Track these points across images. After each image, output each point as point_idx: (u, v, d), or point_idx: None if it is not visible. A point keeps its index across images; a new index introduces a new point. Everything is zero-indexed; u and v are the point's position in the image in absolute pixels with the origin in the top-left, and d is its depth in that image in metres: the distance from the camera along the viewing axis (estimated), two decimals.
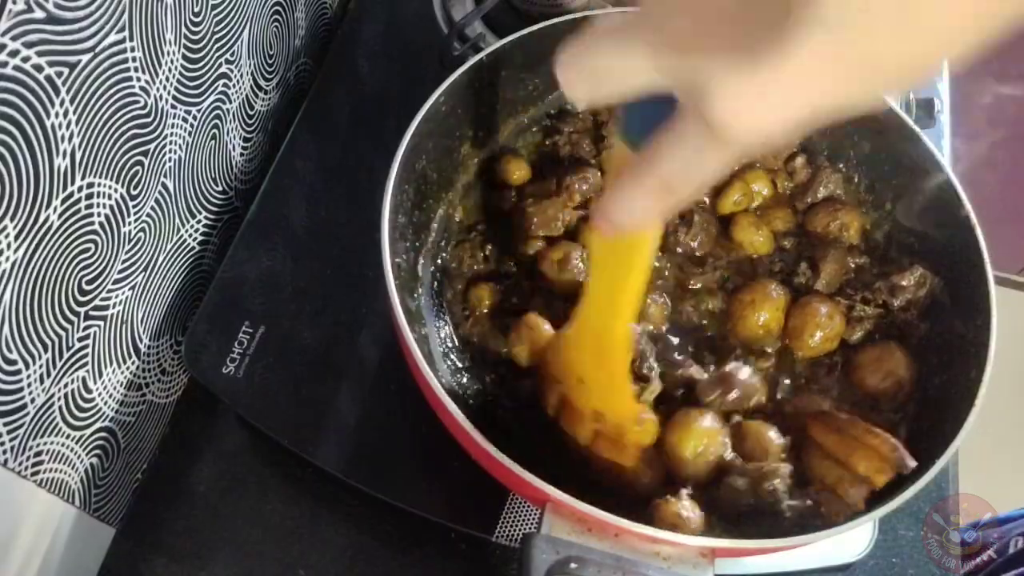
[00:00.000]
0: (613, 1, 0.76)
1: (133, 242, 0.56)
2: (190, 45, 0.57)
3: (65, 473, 0.55)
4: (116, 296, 0.56)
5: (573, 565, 0.40)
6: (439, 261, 0.62)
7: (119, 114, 0.51)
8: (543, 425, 0.54)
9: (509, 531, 0.56)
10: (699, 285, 0.61)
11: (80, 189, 0.49)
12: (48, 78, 0.43)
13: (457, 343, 0.59)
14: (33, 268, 0.47)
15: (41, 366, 0.50)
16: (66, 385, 0.53)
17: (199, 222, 0.65)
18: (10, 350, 0.47)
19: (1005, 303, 0.50)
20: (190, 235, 0.64)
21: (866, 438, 0.47)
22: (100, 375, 0.57)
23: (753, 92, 0.24)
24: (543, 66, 0.64)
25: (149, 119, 0.54)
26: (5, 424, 0.48)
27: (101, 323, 0.55)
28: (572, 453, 0.52)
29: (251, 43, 0.67)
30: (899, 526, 0.61)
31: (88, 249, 0.51)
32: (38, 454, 0.52)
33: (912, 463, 0.45)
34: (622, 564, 0.41)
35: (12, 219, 0.44)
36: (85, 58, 0.46)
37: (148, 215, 0.57)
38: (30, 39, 0.41)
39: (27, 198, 0.44)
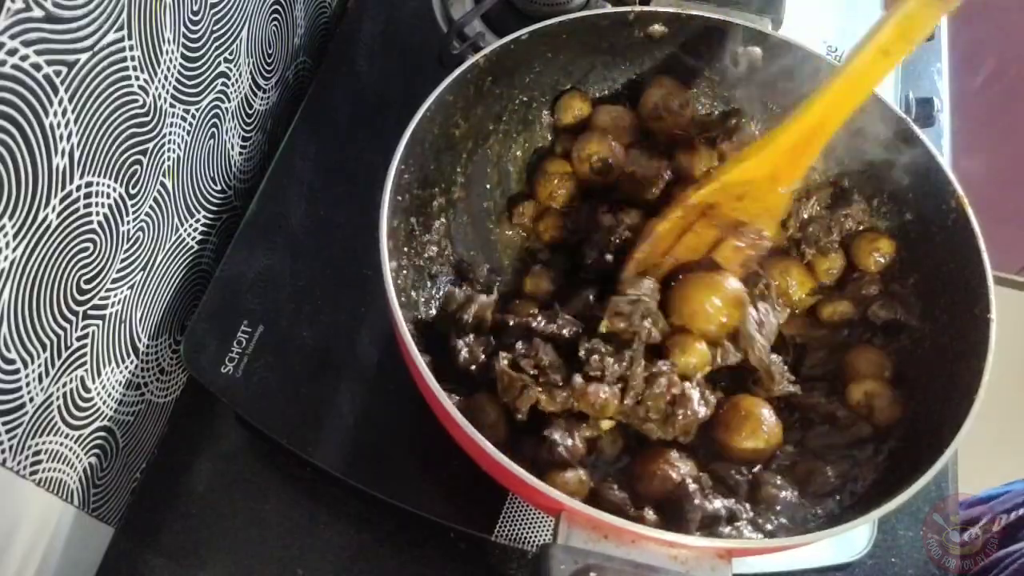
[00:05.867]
0: (613, 1, 0.76)
1: (132, 241, 0.56)
2: (189, 44, 0.57)
3: (64, 472, 0.55)
4: (115, 295, 0.56)
5: (592, 574, 0.39)
6: (438, 260, 0.62)
7: (118, 113, 0.51)
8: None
9: (508, 530, 0.56)
10: None
11: (79, 188, 0.49)
12: (47, 77, 0.43)
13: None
14: (32, 267, 0.46)
15: (40, 365, 0.50)
16: (65, 384, 0.53)
17: (198, 221, 0.65)
18: (8, 349, 0.47)
19: (1005, 303, 0.50)
20: (189, 234, 0.64)
21: None
22: (99, 374, 0.56)
23: None
24: (542, 64, 0.64)
25: (148, 118, 0.54)
26: (4, 423, 0.48)
27: (100, 322, 0.55)
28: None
29: (250, 42, 0.67)
30: (898, 526, 0.61)
31: (87, 248, 0.51)
32: (37, 453, 0.52)
33: None
34: (640, 571, 0.41)
35: (11, 218, 0.44)
36: (84, 57, 0.46)
37: (147, 214, 0.57)
38: (29, 38, 0.41)
39: (26, 197, 0.44)
